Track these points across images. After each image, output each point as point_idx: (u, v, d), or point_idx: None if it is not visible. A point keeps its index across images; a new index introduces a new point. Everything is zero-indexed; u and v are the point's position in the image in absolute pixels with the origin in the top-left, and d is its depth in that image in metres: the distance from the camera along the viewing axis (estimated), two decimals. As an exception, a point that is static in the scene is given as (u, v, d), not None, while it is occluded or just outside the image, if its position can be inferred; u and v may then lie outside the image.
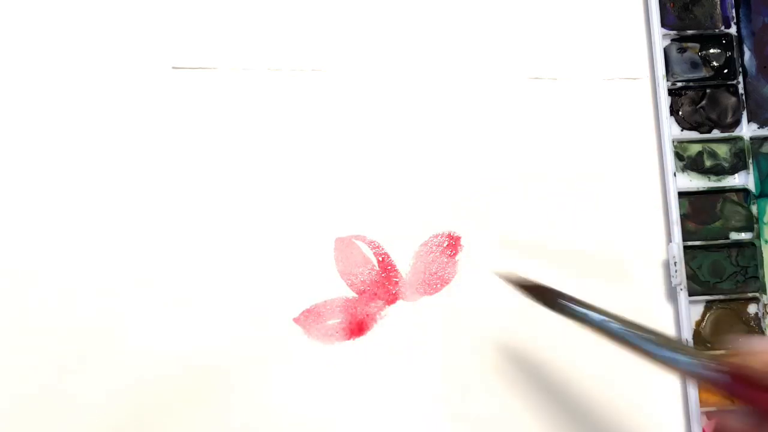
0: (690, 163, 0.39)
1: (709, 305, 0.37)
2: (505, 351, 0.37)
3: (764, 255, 0.38)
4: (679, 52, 0.40)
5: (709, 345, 0.37)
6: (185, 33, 0.39)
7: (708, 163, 0.39)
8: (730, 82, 0.39)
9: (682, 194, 0.38)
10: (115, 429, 0.35)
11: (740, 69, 0.39)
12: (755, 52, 0.40)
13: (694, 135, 0.39)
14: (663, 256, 0.38)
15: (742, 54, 0.40)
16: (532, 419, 0.36)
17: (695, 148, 0.39)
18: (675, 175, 0.38)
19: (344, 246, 0.37)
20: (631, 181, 0.39)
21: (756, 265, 0.38)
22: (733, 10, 0.40)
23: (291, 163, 0.38)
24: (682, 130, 0.39)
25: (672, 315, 0.38)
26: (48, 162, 0.37)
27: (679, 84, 0.39)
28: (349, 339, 0.36)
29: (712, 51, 0.40)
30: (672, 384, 0.37)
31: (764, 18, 0.40)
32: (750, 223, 0.38)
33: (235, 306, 0.36)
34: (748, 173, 0.39)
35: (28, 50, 0.38)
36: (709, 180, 0.39)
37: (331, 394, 0.36)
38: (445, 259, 0.37)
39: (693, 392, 0.36)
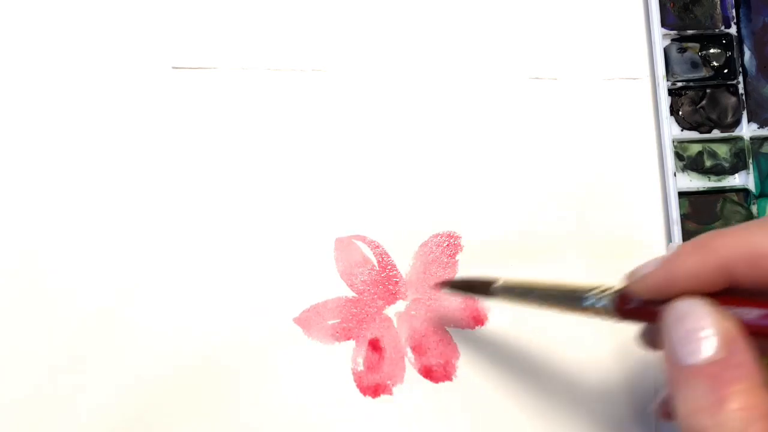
0: (690, 163, 0.39)
1: (709, 305, 0.37)
2: (505, 349, 0.37)
3: (764, 255, 0.38)
4: (679, 52, 0.40)
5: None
6: (185, 33, 0.39)
7: (708, 163, 0.39)
8: (730, 82, 0.39)
9: (682, 194, 0.38)
10: (114, 429, 0.35)
11: (740, 69, 0.40)
12: (755, 52, 0.40)
13: (694, 135, 0.39)
14: (663, 256, 0.38)
15: (742, 54, 0.40)
16: (536, 417, 0.36)
17: (695, 148, 0.39)
18: (675, 175, 0.38)
19: (344, 246, 0.37)
20: (631, 181, 0.39)
21: (756, 265, 0.38)
22: (733, 10, 0.40)
23: (291, 163, 0.38)
24: (682, 130, 0.39)
25: (672, 315, 0.38)
26: (47, 162, 0.37)
27: (679, 84, 0.39)
28: (349, 339, 0.36)
29: (712, 51, 0.40)
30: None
31: (764, 18, 0.40)
32: (750, 223, 0.38)
33: (234, 306, 0.36)
34: (748, 173, 0.39)
35: (28, 50, 0.38)
36: (709, 180, 0.39)
37: (331, 394, 0.36)
38: (445, 260, 0.37)
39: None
